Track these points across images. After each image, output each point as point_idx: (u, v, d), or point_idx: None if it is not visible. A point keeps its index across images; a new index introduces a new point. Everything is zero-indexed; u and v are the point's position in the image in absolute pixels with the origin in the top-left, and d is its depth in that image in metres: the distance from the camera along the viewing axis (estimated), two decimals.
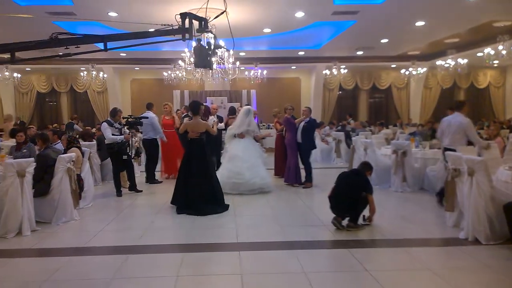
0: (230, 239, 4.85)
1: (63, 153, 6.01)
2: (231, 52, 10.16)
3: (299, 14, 9.73)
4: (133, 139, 7.68)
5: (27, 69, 16.32)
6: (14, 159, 5.60)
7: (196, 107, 6.55)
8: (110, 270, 3.87)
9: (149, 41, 4.28)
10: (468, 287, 3.47)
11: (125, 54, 14.84)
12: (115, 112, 7.53)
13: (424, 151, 8.00)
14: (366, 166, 5.54)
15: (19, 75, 15.62)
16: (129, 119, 7.56)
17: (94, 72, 14.88)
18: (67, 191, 5.61)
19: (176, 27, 4.15)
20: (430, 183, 7.49)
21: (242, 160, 7.34)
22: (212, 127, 6.82)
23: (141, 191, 7.68)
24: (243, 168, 7.27)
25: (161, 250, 4.54)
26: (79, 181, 6.10)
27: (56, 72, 17.06)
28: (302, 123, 8.07)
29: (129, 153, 7.56)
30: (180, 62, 11.44)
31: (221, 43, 7.42)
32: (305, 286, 3.51)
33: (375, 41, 13.00)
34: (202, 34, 4.47)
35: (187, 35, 4.16)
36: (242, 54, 14.42)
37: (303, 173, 8.26)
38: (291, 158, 8.22)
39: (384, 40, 12.93)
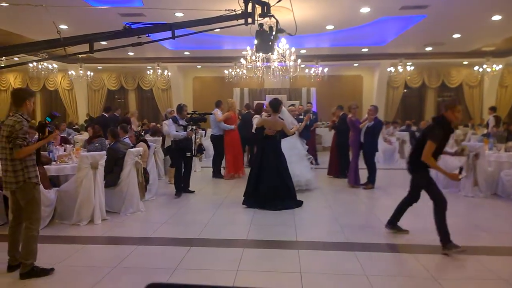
0: (290, 237, 4.83)
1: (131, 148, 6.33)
2: (293, 49, 10.11)
3: (365, 10, 9.45)
4: (196, 135, 7.44)
5: (98, 67, 17.38)
6: (88, 152, 5.97)
7: (276, 105, 6.60)
8: (173, 260, 4.02)
9: (213, 27, 4.35)
10: None
11: (188, 53, 15.31)
12: (181, 108, 7.44)
13: (499, 154, 7.44)
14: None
15: (91, 73, 16.68)
16: (193, 115, 7.41)
17: (159, 70, 15.53)
18: (135, 183, 5.93)
19: (239, 12, 4.18)
20: (505, 188, 6.98)
21: None
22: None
23: (193, 191, 7.42)
24: None
25: (221, 244, 4.63)
26: (145, 174, 6.39)
27: (125, 71, 18.00)
28: (367, 125, 7.81)
29: (193, 150, 7.35)
30: (242, 60, 11.59)
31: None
32: None
33: (446, 36, 12.30)
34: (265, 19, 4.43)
35: (249, 20, 4.16)
36: (303, 51, 14.30)
37: (363, 173, 8.03)
38: (353, 158, 8.05)
39: (456, 36, 12.20)
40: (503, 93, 17.19)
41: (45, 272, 3.68)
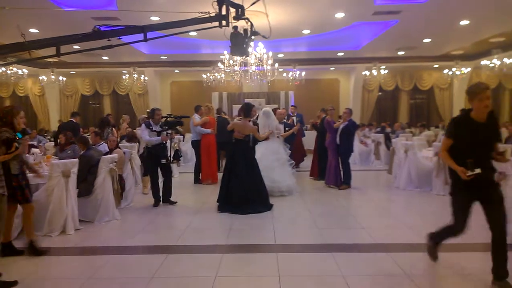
0: (268, 241, 4.84)
1: (106, 154, 6.21)
2: (270, 53, 10.16)
3: (339, 15, 9.59)
4: (171, 140, 6.94)
5: (71, 72, 17.01)
6: (59, 159, 5.82)
7: (247, 110, 6.63)
8: (150, 269, 3.96)
9: (186, 30, 4.31)
10: None
11: (165, 57, 15.19)
12: (153, 112, 6.95)
13: None
14: None
15: (64, 78, 16.31)
16: (168, 119, 6.87)
17: (135, 75, 15.33)
18: (110, 191, 5.80)
19: (213, 14, 4.16)
20: None
21: (263, 163, 7.18)
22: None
23: (176, 202, 6.89)
24: (264, 171, 7.18)
25: (199, 250, 4.59)
26: (121, 181, 6.29)
27: (99, 75, 17.68)
28: (341, 126, 7.96)
29: (168, 157, 6.80)
30: (219, 64, 11.58)
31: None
32: None
33: (417, 41, 12.61)
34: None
35: (224, 22, 4.16)
36: (280, 55, 14.39)
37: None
38: (331, 159, 8.16)
39: (427, 40, 12.52)
40: None
41: (7, 285, 3.55)
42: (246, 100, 15.23)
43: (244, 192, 6.24)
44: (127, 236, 5.14)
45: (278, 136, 7.78)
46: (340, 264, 3.99)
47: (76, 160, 5.57)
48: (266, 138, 7.45)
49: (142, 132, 6.82)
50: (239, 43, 4.36)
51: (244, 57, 4.44)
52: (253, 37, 4.49)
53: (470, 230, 5.13)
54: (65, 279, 3.80)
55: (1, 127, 3.78)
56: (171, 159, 6.84)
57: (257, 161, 6.99)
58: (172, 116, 6.99)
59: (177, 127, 6.97)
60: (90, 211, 5.72)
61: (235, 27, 4.37)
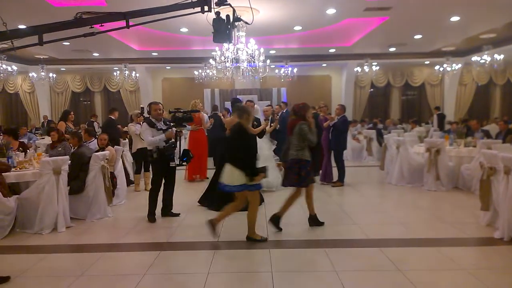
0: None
1: (97, 151, 6.17)
2: (262, 50, 10.14)
3: (331, 11, 9.60)
4: (180, 139, 5.79)
5: (62, 69, 16.87)
6: (50, 157, 5.77)
7: (235, 105, 6.61)
8: (142, 266, 3.94)
9: (169, 16, 4.26)
10: (503, 287, 3.32)
11: (156, 54, 15.11)
12: (150, 108, 5.82)
13: (458, 149, 7.75)
14: None
15: (54, 75, 16.16)
16: (176, 114, 5.67)
17: (126, 72, 15.22)
18: (101, 188, 5.76)
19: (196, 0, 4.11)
20: (465, 182, 7.29)
21: None
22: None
23: (179, 214, 5.93)
24: None
25: (192, 247, 4.58)
26: (113, 178, 6.25)
27: (90, 72, 17.55)
28: (331, 123, 7.95)
29: (178, 159, 5.68)
30: (211, 60, 11.54)
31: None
32: (337, 285, 3.45)
33: (408, 37, 12.68)
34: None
35: (206, 8, 4.11)
36: (272, 52, 14.38)
37: (335, 171, 8.17)
38: (323, 156, 8.18)
39: (418, 36, 12.60)
40: (462, 91, 17.88)
41: (0, 280, 3.55)
42: (239, 97, 15.19)
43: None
44: (119, 233, 5.11)
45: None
46: (332, 260, 4.01)
47: (67, 157, 5.53)
48: (262, 133, 7.41)
49: (143, 133, 5.67)
50: (221, 29, 4.30)
51: (228, 43, 4.34)
52: (236, 23, 4.44)
53: (460, 225, 5.22)
54: (56, 277, 3.77)
55: None
56: (181, 161, 5.68)
57: None
58: (180, 110, 5.77)
59: (186, 123, 5.87)
60: (82, 209, 5.68)
61: (218, 13, 4.31)
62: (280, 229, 5.03)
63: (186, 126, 5.92)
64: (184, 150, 5.74)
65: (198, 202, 6.51)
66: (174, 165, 5.62)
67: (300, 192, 5.11)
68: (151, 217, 5.65)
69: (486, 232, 4.85)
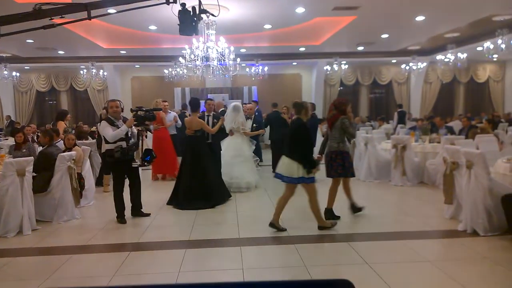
0: (232, 235, 4.87)
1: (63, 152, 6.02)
2: (232, 48, 10.14)
3: (300, 10, 9.70)
4: (142, 138, 5.60)
5: (26, 67, 16.32)
6: (14, 158, 5.59)
7: (193, 104, 6.60)
8: (111, 267, 3.89)
9: (133, 7, 4.18)
10: (466, 278, 3.47)
11: (125, 52, 14.83)
12: (107, 106, 5.61)
13: (424, 145, 8.00)
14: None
15: (18, 74, 15.62)
16: (138, 112, 5.48)
17: (94, 70, 14.87)
18: (68, 189, 5.63)
19: None
20: (430, 177, 7.52)
21: (223, 159, 7.23)
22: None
23: (149, 214, 5.82)
24: (224, 167, 7.20)
25: (162, 246, 4.55)
26: (80, 179, 6.11)
27: (55, 71, 17.05)
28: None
29: (140, 159, 5.53)
30: (180, 59, 11.44)
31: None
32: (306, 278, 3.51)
33: (376, 36, 12.97)
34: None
35: None
36: (242, 50, 14.39)
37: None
38: None
39: (385, 36, 12.90)
40: (428, 89, 18.46)
41: None
42: (210, 96, 15.14)
43: (189, 187, 6.28)
44: (87, 235, 5.01)
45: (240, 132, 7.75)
46: (302, 255, 4.07)
47: (31, 158, 5.37)
48: (230, 133, 7.43)
49: (103, 130, 5.34)
50: (187, 21, 4.28)
51: (194, 35, 4.25)
52: (202, 15, 4.42)
53: (425, 218, 5.40)
54: (23, 280, 3.68)
55: None
56: (143, 161, 5.50)
57: (223, 159, 7.02)
58: (142, 109, 5.56)
59: (147, 122, 5.61)
60: (48, 211, 5.54)
61: (183, 4, 4.27)
62: (339, 217, 5.35)
63: (148, 125, 5.70)
64: (146, 149, 5.59)
65: (166, 203, 6.46)
66: (136, 165, 5.47)
67: (339, 181, 5.43)
68: (121, 219, 5.52)
69: (450, 225, 5.03)
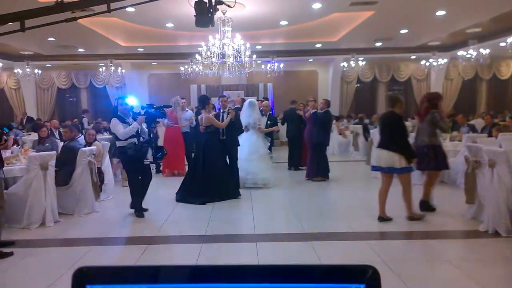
0: (248, 231, 4.89)
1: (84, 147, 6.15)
2: (248, 45, 10.15)
3: (317, 6, 9.63)
4: (153, 134, 5.64)
5: (47, 65, 16.63)
6: (37, 152, 5.74)
7: (202, 101, 6.68)
8: (130, 260, 3.96)
9: None
10: (487, 279, 3.42)
11: (142, 49, 14.99)
12: (117, 103, 5.64)
13: (445, 143, 7.85)
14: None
15: (39, 71, 15.94)
16: (149, 110, 5.50)
17: (112, 68, 15.09)
18: (89, 183, 5.76)
19: None
20: (451, 176, 7.39)
21: (239, 155, 7.22)
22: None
23: (147, 210, 5.79)
24: (240, 162, 7.21)
25: (179, 240, 4.61)
26: (100, 174, 6.23)
27: (75, 68, 17.32)
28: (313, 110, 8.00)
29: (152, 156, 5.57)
30: (197, 56, 11.52)
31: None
32: None
33: (394, 32, 12.77)
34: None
35: None
36: (258, 47, 14.37)
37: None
38: (309, 151, 8.21)
39: (404, 31, 12.69)
40: (448, 86, 18.11)
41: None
42: (225, 93, 15.20)
43: (191, 182, 6.42)
44: (107, 227, 5.11)
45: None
46: (318, 253, 4.06)
47: (54, 152, 5.52)
48: (245, 129, 7.44)
49: (115, 128, 5.39)
50: (204, 12, 4.31)
51: (210, 26, 4.27)
52: (218, 9, 4.44)
53: (446, 218, 5.32)
54: (44, 271, 3.77)
55: None
56: (155, 158, 5.59)
57: (239, 154, 7.08)
58: (154, 106, 5.63)
59: (158, 119, 5.60)
60: (69, 204, 5.67)
61: None
62: (435, 209, 5.49)
63: (158, 122, 5.76)
64: (158, 146, 5.66)
65: (176, 200, 6.49)
66: (148, 162, 5.54)
67: (437, 174, 5.61)
68: (138, 213, 5.57)
69: (471, 225, 4.92)
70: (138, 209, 5.60)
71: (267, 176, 7.51)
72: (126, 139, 5.32)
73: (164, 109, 5.84)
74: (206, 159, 6.46)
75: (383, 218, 5.10)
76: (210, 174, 6.40)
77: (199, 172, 6.41)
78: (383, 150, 4.97)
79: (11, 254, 4.10)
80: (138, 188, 5.60)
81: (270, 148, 8.15)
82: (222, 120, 6.78)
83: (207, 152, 6.49)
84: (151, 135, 5.57)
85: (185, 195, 6.37)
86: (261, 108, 8.68)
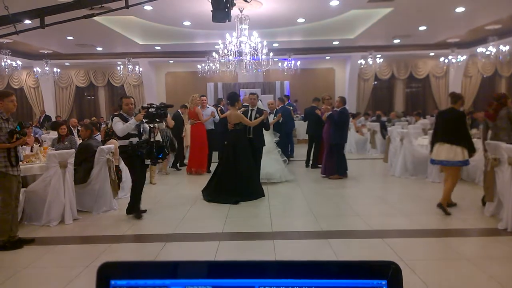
0: (265, 229, 4.89)
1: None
2: (265, 42, 10.13)
3: (334, 3, 9.56)
4: (154, 136, 5.53)
5: (66, 64, 16.91)
6: (56, 150, 5.83)
7: (231, 98, 6.64)
8: (148, 256, 4.00)
9: None
10: (505, 277, 3.35)
11: (159, 48, 15.11)
12: (120, 102, 5.58)
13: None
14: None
15: (58, 70, 16.21)
16: (149, 109, 5.37)
17: (130, 66, 15.26)
18: (107, 181, 5.82)
19: None
20: (469, 174, 7.26)
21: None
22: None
23: (145, 210, 5.68)
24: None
25: (196, 238, 4.63)
26: (118, 172, 6.30)
27: (93, 67, 17.58)
28: (329, 112, 7.95)
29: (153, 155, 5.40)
30: (214, 54, 11.55)
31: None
32: None
33: (413, 28, 12.59)
34: None
35: None
36: (275, 45, 14.34)
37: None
38: (325, 149, 8.17)
39: (422, 28, 12.50)
40: (467, 83, 17.78)
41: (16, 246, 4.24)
42: (242, 91, 15.21)
43: (219, 181, 6.40)
44: (126, 225, 5.17)
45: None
46: (336, 250, 4.04)
47: (73, 150, 5.59)
48: (265, 125, 7.38)
49: (115, 125, 5.33)
50: (220, 7, 4.30)
51: (226, 21, 4.26)
52: (235, 2, 4.43)
53: (464, 215, 5.24)
54: (63, 268, 3.83)
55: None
56: (156, 158, 5.47)
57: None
58: (154, 106, 5.46)
59: (157, 119, 5.44)
60: (88, 201, 5.75)
61: None
62: (455, 204, 5.66)
63: (159, 122, 5.65)
64: (159, 146, 5.57)
65: (207, 201, 6.41)
66: (148, 162, 5.45)
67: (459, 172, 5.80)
68: (137, 214, 5.47)
69: (490, 223, 4.86)
70: (137, 211, 5.51)
71: (271, 170, 7.49)
72: (128, 138, 5.31)
73: (164, 109, 5.60)
74: (237, 158, 6.45)
75: (442, 207, 5.28)
76: (241, 173, 6.41)
77: (231, 171, 6.38)
78: (445, 144, 5.22)
79: (32, 240, 4.44)
80: (141, 189, 5.56)
81: (286, 148, 8.11)
82: (250, 118, 6.78)
83: (238, 151, 6.49)
84: (150, 135, 5.46)
85: (216, 195, 6.32)
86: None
